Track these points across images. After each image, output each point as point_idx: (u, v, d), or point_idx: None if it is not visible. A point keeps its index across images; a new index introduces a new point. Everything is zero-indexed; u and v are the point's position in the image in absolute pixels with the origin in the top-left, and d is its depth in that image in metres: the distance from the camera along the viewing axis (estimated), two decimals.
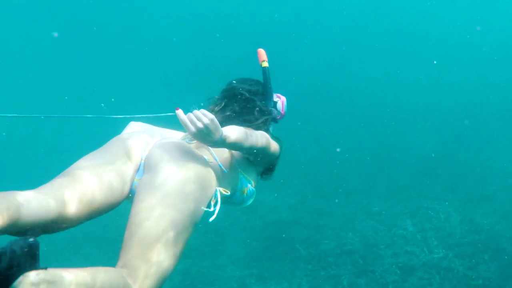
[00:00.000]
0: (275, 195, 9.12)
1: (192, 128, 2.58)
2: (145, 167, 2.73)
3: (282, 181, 9.65)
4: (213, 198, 2.73)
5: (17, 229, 2.25)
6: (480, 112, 14.03)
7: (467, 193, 9.15)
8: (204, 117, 2.56)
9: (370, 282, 6.47)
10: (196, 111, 2.60)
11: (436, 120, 13.62)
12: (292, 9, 21.64)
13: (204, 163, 2.76)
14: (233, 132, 2.71)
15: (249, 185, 3.12)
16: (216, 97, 3.37)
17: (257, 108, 3.29)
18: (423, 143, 12.05)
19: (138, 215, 2.54)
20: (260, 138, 2.93)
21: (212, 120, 2.57)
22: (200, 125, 2.56)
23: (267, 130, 3.26)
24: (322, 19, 21.28)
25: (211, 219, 2.74)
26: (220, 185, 2.82)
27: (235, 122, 2.97)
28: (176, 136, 3.03)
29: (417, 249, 7.22)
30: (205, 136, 2.60)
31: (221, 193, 2.78)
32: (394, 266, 6.80)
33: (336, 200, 8.90)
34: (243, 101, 3.29)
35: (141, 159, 2.77)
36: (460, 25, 21.24)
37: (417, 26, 20.72)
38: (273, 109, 3.42)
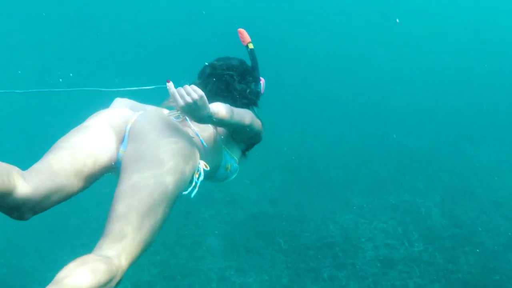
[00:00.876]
0: (257, 188, 9.07)
1: (181, 102, 2.63)
2: (130, 139, 2.77)
3: (264, 174, 9.65)
4: (196, 172, 2.81)
5: (8, 204, 2.29)
6: (463, 108, 14.06)
7: (448, 188, 9.17)
8: (194, 92, 2.62)
9: (350, 275, 6.45)
10: (186, 86, 2.65)
11: (418, 115, 13.62)
12: None
13: (188, 136, 2.81)
14: (221, 109, 2.77)
15: (233, 162, 3.23)
16: (202, 74, 3.41)
17: (242, 87, 3.36)
18: (405, 138, 12.06)
19: (123, 185, 2.56)
20: (245, 115, 3.02)
21: (201, 97, 2.62)
22: (189, 99, 2.61)
23: (251, 109, 3.32)
24: (302, 9, 21.19)
25: (193, 194, 2.81)
26: (203, 159, 2.88)
27: (220, 100, 2.98)
28: (161, 112, 3.06)
29: (397, 242, 7.22)
30: (193, 112, 2.66)
31: (203, 168, 2.85)
32: (374, 259, 6.79)
33: (318, 194, 8.87)
34: (229, 79, 3.33)
35: (126, 131, 2.81)
36: (443, 13, 21.39)
37: (400, 18, 20.72)
38: (258, 90, 3.49)
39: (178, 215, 8.06)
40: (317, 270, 6.58)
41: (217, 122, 2.80)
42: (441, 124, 13.30)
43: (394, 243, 7.20)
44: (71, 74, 10.92)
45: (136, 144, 2.71)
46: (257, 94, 3.48)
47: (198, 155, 2.84)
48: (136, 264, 6.60)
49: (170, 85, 2.69)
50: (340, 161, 10.52)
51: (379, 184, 9.33)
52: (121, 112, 2.94)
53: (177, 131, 2.78)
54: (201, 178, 2.84)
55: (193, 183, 2.81)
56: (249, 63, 3.47)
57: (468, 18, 21.72)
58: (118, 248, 2.37)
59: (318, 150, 11.14)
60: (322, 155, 10.91)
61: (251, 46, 3.41)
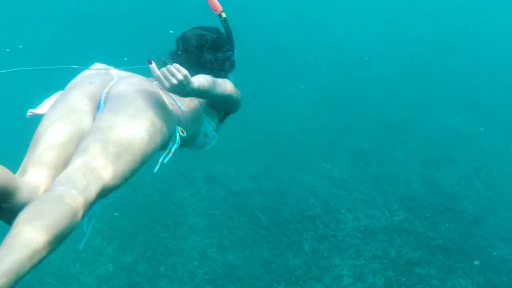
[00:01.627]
0: (237, 164, 9.03)
1: (167, 84, 2.65)
2: (106, 101, 2.78)
3: (243, 150, 9.61)
4: (172, 137, 2.85)
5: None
6: (440, 76, 14.09)
7: (427, 156, 9.21)
8: (178, 73, 2.62)
9: (332, 247, 6.46)
10: (170, 66, 2.64)
11: (395, 84, 13.62)
12: None
13: (166, 102, 2.84)
14: (204, 82, 2.82)
15: (211, 129, 3.27)
16: (176, 46, 3.40)
17: (219, 57, 3.36)
18: (383, 108, 12.06)
19: (93, 127, 2.58)
20: (226, 85, 3.09)
21: (186, 76, 2.64)
22: (174, 81, 2.63)
23: (228, 78, 3.36)
24: None
25: (166, 159, 2.82)
26: (182, 126, 2.92)
27: (198, 71, 3.02)
28: (139, 77, 3.05)
29: (378, 212, 7.23)
30: (178, 91, 2.71)
31: (180, 133, 2.88)
32: (355, 230, 6.80)
33: (298, 168, 8.85)
34: (205, 50, 3.33)
35: (102, 96, 2.81)
36: None
37: None
38: (234, 59, 3.50)
39: (159, 195, 8.02)
40: (298, 243, 6.58)
41: (200, 95, 2.86)
42: (418, 92, 13.33)
43: (375, 213, 7.21)
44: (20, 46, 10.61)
45: (111, 102, 2.73)
46: (233, 63, 3.49)
47: (175, 121, 2.87)
48: (118, 246, 6.56)
49: (153, 66, 2.67)
50: (319, 134, 10.50)
51: (359, 155, 9.33)
52: (96, 78, 2.94)
53: (154, 96, 2.77)
54: (177, 144, 2.86)
55: (168, 149, 2.84)
56: (227, 33, 3.45)
57: None
58: (82, 179, 2.30)
59: (297, 124, 11.09)
60: (301, 129, 10.87)
61: (224, 15, 3.37)
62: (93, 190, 2.29)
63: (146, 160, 2.64)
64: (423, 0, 20.71)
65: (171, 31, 3.66)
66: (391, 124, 11.01)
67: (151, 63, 2.67)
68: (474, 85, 13.64)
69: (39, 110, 3.12)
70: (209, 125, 3.25)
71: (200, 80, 2.80)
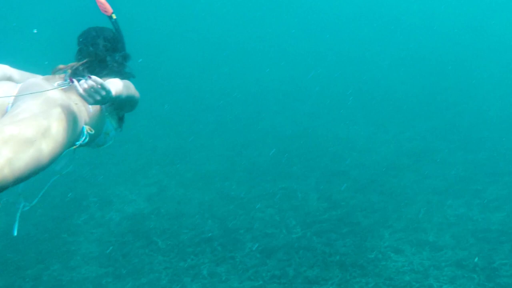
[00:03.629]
0: (132, 187, 8.78)
1: (91, 101, 2.81)
2: (12, 106, 2.89)
3: (138, 171, 9.37)
4: (82, 136, 3.02)
5: None
6: (334, 89, 14.40)
7: (323, 171, 9.32)
8: (102, 90, 2.79)
9: (230, 269, 6.34)
10: (91, 83, 2.76)
11: (291, 99, 13.81)
12: None
13: (71, 103, 2.96)
14: (119, 89, 3.00)
15: (112, 128, 3.41)
16: (80, 48, 3.48)
17: (117, 59, 3.49)
18: (280, 124, 12.17)
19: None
20: (131, 87, 3.26)
21: (108, 92, 2.82)
22: (98, 98, 2.80)
23: (129, 78, 3.48)
24: None
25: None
26: (88, 124, 3.08)
27: (103, 72, 3.30)
28: (44, 81, 3.14)
29: (276, 230, 7.20)
30: (100, 103, 2.86)
31: (88, 131, 3.05)
32: (254, 250, 6.72)
33: (195, 187, 8.72)
34: (104, 53, 3.45)
35: (8, 103, 2.94)
36: None
37: None
38: (128, 60, 3.63)
39: (50, 223, 7.64)
40: (196, 267, 6.42)
41: (115, 100, 3.00)
42: (314, 106, 13.56)
43: (273, 232, 7.17)
44: None
45: (18, 102, 2.84)
46: (126, 64, 3.61)
47: (82, 119, 3.01)
48: (4, 282, 6.13)
49: (76, 85, 2.78)
50: (217, 153, 10.42)
51: (256, 172, 9.33)
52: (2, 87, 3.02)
53: (61, 96, 2.91)
54: (85, 141, 3.03)
55: (75, 145, 2.99)
56: (119, 34, 3.59)
57: None
58: None
59: (194, 142, 10.97)
60: (198, 146, 10.77)
61: (114, 16, 3.47)
62: None
63: (55, 157, 2.78)
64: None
65: (35, 31, 3.65)
66: (287, 139, 11.11)
67: (72, 82, 2.80)
68: (367, 99, 14.04)
69: None
70: (110, 124, 3.37)
71: (116, 88, 2.97)
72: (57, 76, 3.30)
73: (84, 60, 3.36)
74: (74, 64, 3.32)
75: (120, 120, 3.55)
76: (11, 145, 2.55)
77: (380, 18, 22.04)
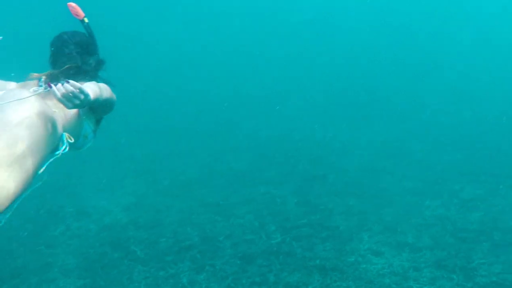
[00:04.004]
0: (109, 196, 8.69)
1: (70, 105, 2.82)
2: None
3: (114, 181, 9.28)
4: (60, 143, 3.02)
5: None
6: (312, 94, 14.43)
7: (301, 175, 9.32)
8: (81, 94, 2.79)
9: (210, 277, 6.29)
10: (68, 87, 2.76)
11: (268, 104, 13.80)
12: None
13: (49, 111, 2.94)
14: (96, 92, 3.00)
15: (90, 131, 3.40)
16: (54, 52, 3.45)
17: (91, 62, 3.49)
18: (258, 128, 12.15)
19: None
20: (107, 90, 3.26)
21: (87, 96, 2.82)
22: (77, 102, 2.81)
23: (105, 82, 3.45)
24: None
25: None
26: (66, 131, 3.08)
27: (78, 76, 3.27)
28: (20, 90, 3.11)
29: (255, 236, 7.17)
30: (78, 107, 2.87)
31: (67, 139, 3.05)
32: (234, 257, 6.69)
33: (173, 195, 8.66)
34: (77, 57, 3.42)
35: None
36: None
37: None
38: (102, 63, 3.63)
39: (26, 236, 7.53)
40: (176, 276, 6.36)
41: (92, 104, 3.00)
42: (293, 110, 13.57)
43: (253, 238, 7.14)
44: None
45: None
46: (101, 67, 3.60)
47: (60, 126, 3.01)
48: None
49: (54, 90, 2.78)
50: (194, 159, 10.37)
51: (234, 177, 9.29)
52: None
53: (39, 105, 2.88)
54: (67, 148, 3.03)
55: (57, 155, 3.00)
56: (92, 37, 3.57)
57: None
58: None
59: (171, 150, 10.91)
60: (175, 154, 10.71)
61: (86, 20, 3.47)
62: None
63: (38, 169, 2.78)
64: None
65: (0, 37, 3.60)
66: (265, 144, 11.10)
67: (50, 87, 2.79)
68: (346, 102, 14.08)
69: None
70: (88, 127, 3.36)
71: (94, 91, 2.97)
72: (31, 82, 3.26)
73: (66, 66, 3.34)
74: (54, 71, 3.30)
75: (98, 122, 3.54)
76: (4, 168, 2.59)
77: (355, 20, 22.19)
